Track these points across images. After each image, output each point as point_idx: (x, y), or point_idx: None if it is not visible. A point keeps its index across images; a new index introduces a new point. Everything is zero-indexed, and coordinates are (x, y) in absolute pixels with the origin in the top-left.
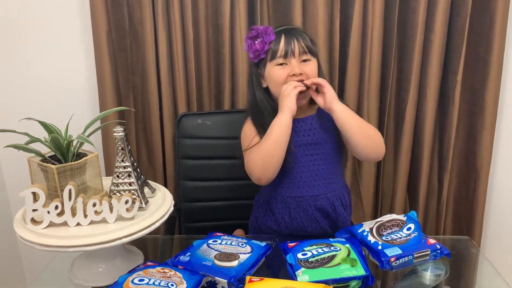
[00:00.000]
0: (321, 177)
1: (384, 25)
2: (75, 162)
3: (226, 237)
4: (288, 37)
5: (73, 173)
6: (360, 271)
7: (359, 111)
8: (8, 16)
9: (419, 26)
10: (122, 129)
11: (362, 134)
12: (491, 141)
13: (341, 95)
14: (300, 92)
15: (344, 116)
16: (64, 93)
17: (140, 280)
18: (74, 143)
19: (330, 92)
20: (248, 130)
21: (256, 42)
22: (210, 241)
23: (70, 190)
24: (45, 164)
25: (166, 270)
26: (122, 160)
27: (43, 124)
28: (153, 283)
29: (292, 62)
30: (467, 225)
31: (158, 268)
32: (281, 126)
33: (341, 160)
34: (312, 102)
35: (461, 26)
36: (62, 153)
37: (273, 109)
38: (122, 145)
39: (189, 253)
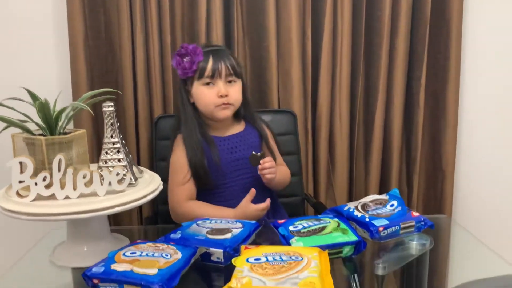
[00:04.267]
0: (249, 189)
1: (352, 34)
2: (64, 136)
3: (214, 219)
4: (215, 58)
5: (62, 147)
6: (352, 237)
7: (331, 119)
8: None
9: (384, 34)
10: (112, 103)
11: (279, 186)
12: (454, 141)
13: (314, 103)
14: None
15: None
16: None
17: (132, 253)
18: (63, 117)
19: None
20: (181, 159)
21: (184, 59)
22: (199, 222)
23: (60, 160)
24: (33, 136)
25: (158, 245)
26: (111, 136)
27: (32, 94)
28: (146, 254)
29: (218, 83)
30: None
31: (150, 243)
32: (222, 217)
33: None
34: (237, 117)
35: (422, 34)
36: (50, 127)
37: (199, 125)
38: (112, 121)
39: (179, 231)
